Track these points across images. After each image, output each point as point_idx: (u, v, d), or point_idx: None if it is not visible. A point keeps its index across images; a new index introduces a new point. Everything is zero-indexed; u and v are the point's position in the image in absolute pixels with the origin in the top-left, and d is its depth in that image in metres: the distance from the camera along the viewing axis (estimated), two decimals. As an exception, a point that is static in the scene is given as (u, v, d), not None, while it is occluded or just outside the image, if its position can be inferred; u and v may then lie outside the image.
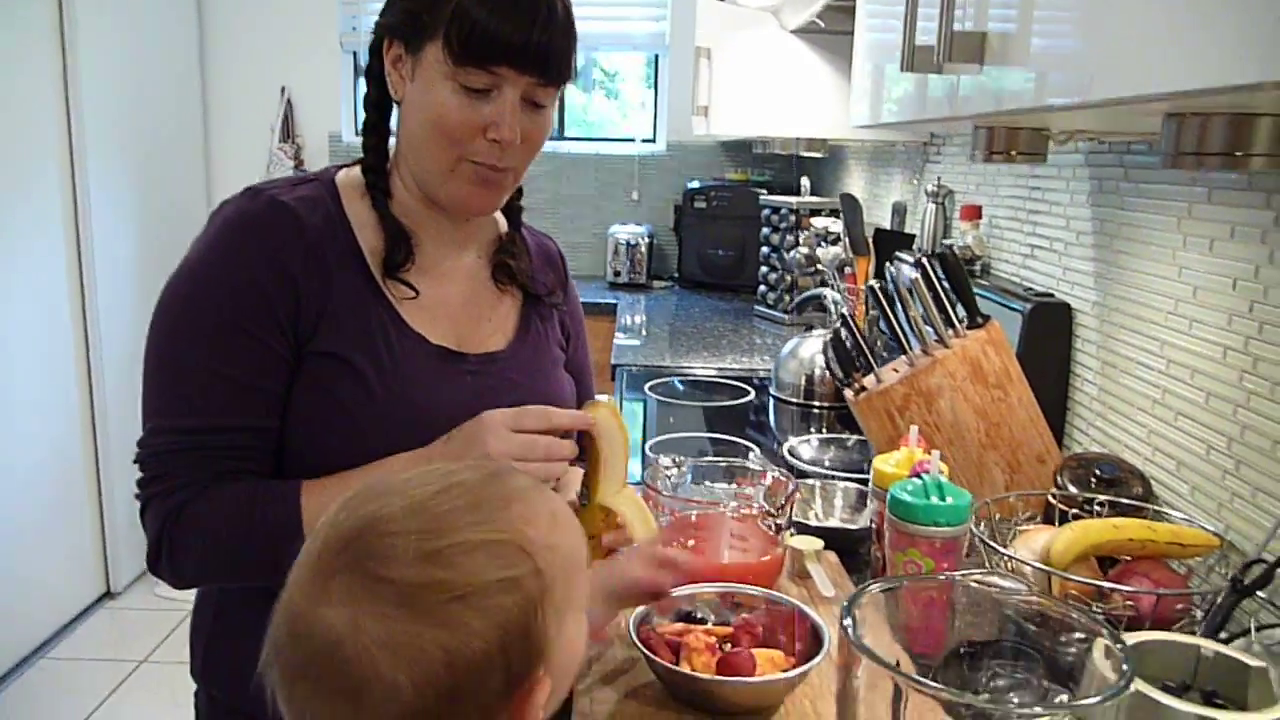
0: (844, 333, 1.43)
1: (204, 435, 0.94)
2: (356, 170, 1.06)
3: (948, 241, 1.96)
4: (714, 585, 0.98)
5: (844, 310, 1.39)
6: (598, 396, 1.00)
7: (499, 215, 1.17)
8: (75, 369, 3.03)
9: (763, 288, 3.13)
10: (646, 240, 3.77)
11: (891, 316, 1.38)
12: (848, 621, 0.63)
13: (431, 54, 0.95)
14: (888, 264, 1.45)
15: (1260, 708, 0.62)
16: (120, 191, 3.15)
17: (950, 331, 1.37)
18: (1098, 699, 0.57)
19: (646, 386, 2.23)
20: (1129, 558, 1.06)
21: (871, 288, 1.38)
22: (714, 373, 2.41)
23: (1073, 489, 1.24)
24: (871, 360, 1.40)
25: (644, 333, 2.88)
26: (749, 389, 2.24)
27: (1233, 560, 1.04)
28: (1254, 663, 0.64)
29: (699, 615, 0.96)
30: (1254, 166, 0.72)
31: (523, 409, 0.96)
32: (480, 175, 1.00)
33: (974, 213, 1.85)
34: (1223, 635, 0.86)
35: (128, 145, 3.20)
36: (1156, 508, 1.17)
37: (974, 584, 0.74)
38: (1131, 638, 0.68)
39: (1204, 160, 0.73)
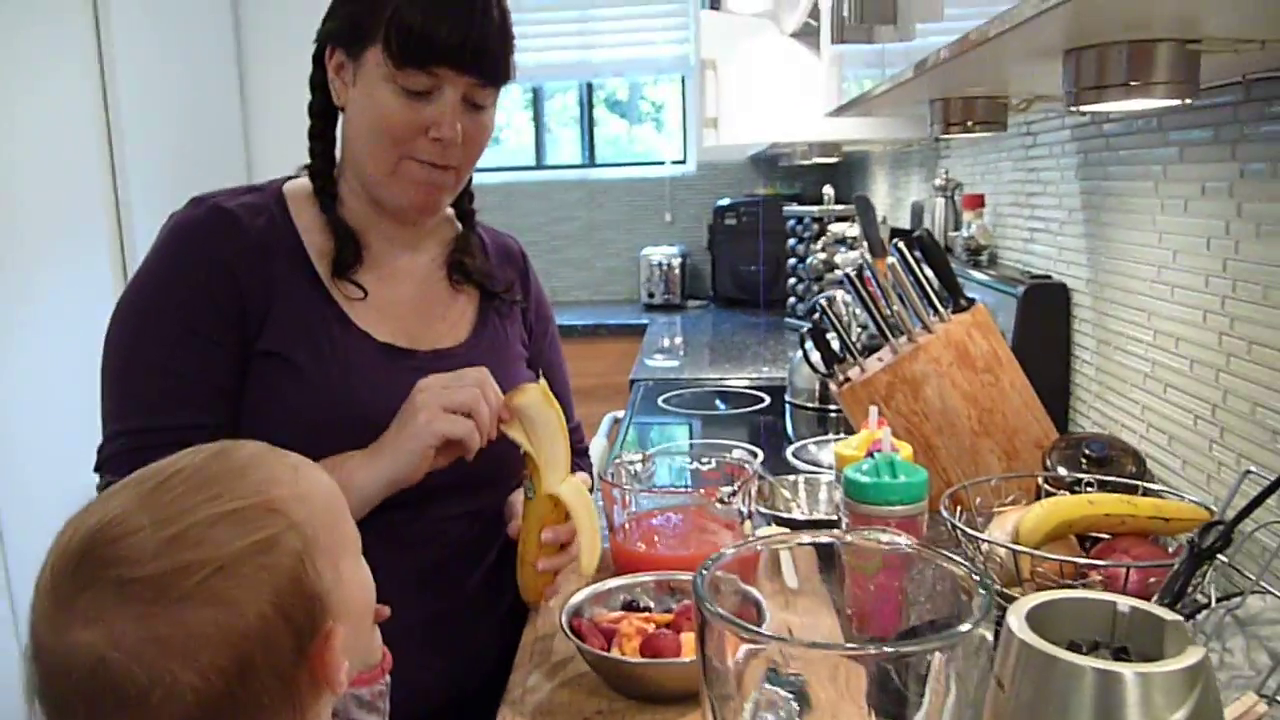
0: (824, 324, 1.40)
1: (157, 434, 0.94)
2: (304, 179, 1.08)
3: (955, 234, 1.91)
4: (649, 574, 0.96)
5: (821, 301, 1.36)
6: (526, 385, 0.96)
7: (454, 218, 1.17)
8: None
9: (791, 299, 3.10)
10: (679, 260, 3.75)
11: (869, 304, 1.34)
12: (705, 572, 0.60)
13: (372, 58, 0.97)
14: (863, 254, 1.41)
15: (1172, 662, 0.57)
16: (164, 201, 3.09)
17: (934, 316, 1.33)
18: (965, 627, 0.53)
19: (660, 399, 2.21)
20: (1110, 535, 1.01)
21: (848, 275, 1.34)
22: (740, 383, 2.38)
23: (1062, 470, 1.18)
24: (853, 350, 1.36)
25: (680, 352, 2.87)
26: (765, 397, 2.21)
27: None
28: (1169, 616, 0.60)
29: (640, 604, 0.94)
30: (1155, 95, 0.68)
31: (460, 372, 0.95)
32: (422, 175, 1.01)
33: (976, 202, 1.80)
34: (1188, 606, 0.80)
35: (168, 150, 3.02)
36: (1148, 485, 1.11)
37: (863, 541, 0.70)
38: (1044, 596, 0.64)
39: (1105, 93, 0.70)
